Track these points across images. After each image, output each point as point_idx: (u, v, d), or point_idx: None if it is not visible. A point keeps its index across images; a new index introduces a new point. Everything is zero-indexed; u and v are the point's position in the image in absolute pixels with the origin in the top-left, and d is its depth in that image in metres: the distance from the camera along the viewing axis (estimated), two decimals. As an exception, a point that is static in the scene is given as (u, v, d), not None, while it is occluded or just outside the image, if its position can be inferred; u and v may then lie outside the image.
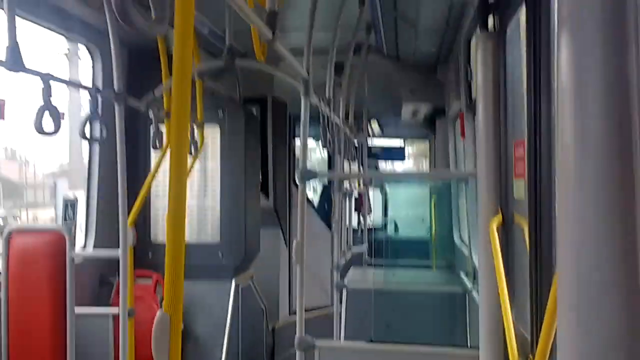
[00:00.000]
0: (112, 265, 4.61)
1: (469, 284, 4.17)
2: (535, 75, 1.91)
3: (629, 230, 0.97)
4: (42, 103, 2.61)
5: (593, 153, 0.99)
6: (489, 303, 2.27)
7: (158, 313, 1.29)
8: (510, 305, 2.01)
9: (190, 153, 4.59)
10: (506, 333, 1.91)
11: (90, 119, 3.14)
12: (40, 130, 2.61)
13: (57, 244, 3.27)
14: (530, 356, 1.79)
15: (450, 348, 2.79)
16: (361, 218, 6.96)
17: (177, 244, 1.32)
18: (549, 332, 1.38)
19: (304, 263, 2.78)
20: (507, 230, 2.35)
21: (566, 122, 1.02)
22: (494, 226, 2.28)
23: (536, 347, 1.65)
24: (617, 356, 0.97)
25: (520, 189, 2.17)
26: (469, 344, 3.92)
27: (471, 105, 4.40)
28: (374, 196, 8.43)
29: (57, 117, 2.66)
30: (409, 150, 10.40)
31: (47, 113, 2.64)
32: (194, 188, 4.98)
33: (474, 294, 3.82)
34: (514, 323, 1.95)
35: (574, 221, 1.03)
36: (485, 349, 2.28)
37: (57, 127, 2.67)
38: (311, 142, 7.89)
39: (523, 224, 2.13)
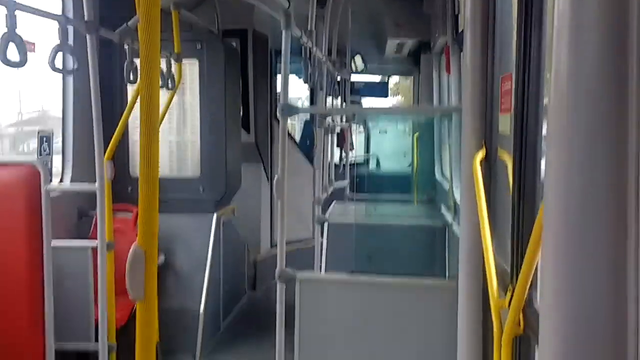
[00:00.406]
0: (91, 198, 4.55)
1: (449, 218, 4.22)
2: (526, 8, 1.84)
3: (620, 161, 0.95)
4: (7, 32, 2.48)
5: (586, 85, 0.95)
6: (470, 236, 2.28)
7: (132, 247, 1.26)
8: (491, 238, 2.03)
9: (168, 87, 4.47)
10: (486, 264, 1.93)
11: (61, 50, 3.00)
12: (5, 61, 2.49)
13: (32, 177, 3.19)
14: (510, 287, 1.82)
15: (429, 279, 2.85)
16: (343, 154, 6.95)
17: (151, 178, 1.27)
18: (531, 263, 1.38)
19: (285, 198, 2.76)
20: (490, 165, 2.34)
21: (560, 53, 0.98)
22: (477, 161, 2.26)
23: (516, 278, 1.67)
24: (601, 281, 0.97)
25: (505, 123, 2.14)
26: (447, 276, 4.01)
27: (457, 39, 4.31)
28: (356, 132, 8.40)
29: (22, 48, 2.53)
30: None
31: (12, 44, 2.52)
32: (173, 123, 4.89)
33: (455, 227, 3.87)
34: (494, 255, 1.97)
35: (562, 149, 1.00)
36: (464, 279, 2.31)
37: (24, 59, 2.55)
38: (293, 79, 7.75)
39: (507, 159, 2.11)
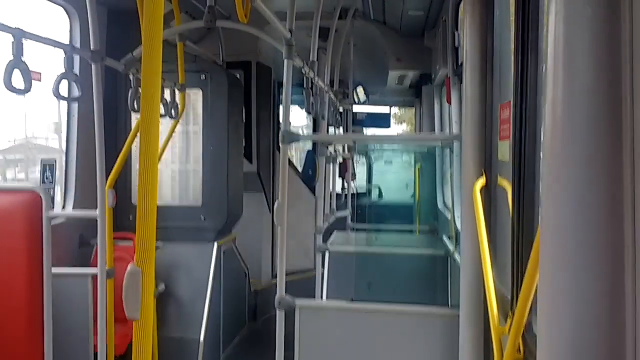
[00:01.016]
0: (92, 226, 4.56)
1: (451, 247, 4.20)
2: (523, 37, 1.88)
3: (615, 188, 0.96)
4: (13, 59, 2.53)
5: (581, 112, 0.97)
6: (471, 262, 2.28)
7: (129, 267, 1.26)
8: (492, 265, 2.02)
9: (171, 116, 4.52)
10: (486, 291, 1.92)
11: (65, 78, 3.05)
12: (9, 87, 2.53)
13: (33, 204, 3.21)
14: (510, 313, 1.80)
15: (431, 307, 2.82)
16: (345, 183, 6.96)
17: (148, 194, 1.28)
18: (530, 287, 1.38)
19: (285, 224, 2.76)
20: (490, 192, 2.35)
21: (555, 81, 1.00)
22: (477, 188, 2.28)
23: (516, 304, 1.66)
24: (599, 307, 0.97)
25: (504, 151, 2.16)
26: (450, 305, 3.97)
27: (458, 71, 4.36)
28: (358, 163, 8.43)
29: (27, 74, 2.57)
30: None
31: (17, 71, 2.56)
32: (176, 151, 4.93)
33: (456, 256, 3.86)
34: (494, 282, 1.96)
35: (558, 176, 1.02)
36: (465, 307, 2.30)
37: (28, 86, 2.59)
38: (295, 109, 7.83)
39: (506, 186, 2.13)
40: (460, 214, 4.40)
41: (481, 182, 2.32)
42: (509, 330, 1.72)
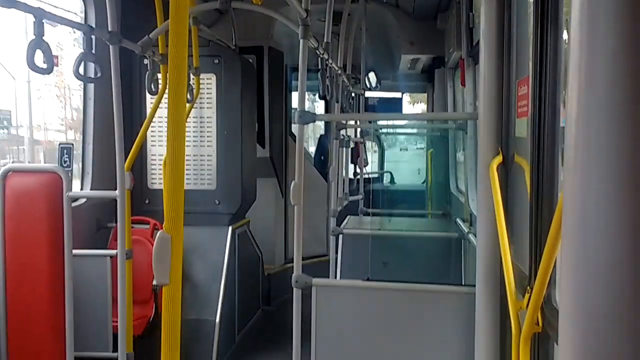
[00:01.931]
0: (109, 210, 4.62)
1: (465, 229, 4.22)
2: (542, 8, 1.87)
3: (638, 159, 0.97)
4: (34, 39, 2.56)
5: (605, 77, 0.97)
6: (487, 240, 2.29)
7: (159, 233, 1.29)
8: (509, 241, 2.03)
9: (188, 100, 4.55)
10: (504, 267, 1.94)
11: (84, 59, 3.08)
12: (33, 67, 2.57)
13: (54, 184, 3.26)
14: (528, 288, 1.82)
15: (446, 286, 2.84)
16: (357, 169, 6.97)
17: (177, 162, 1.30)
18: (550, 259, 1.39)
19: (301, 203, 2.78)
20: (506, 171, 2.35)
21: (577, 55, 1.00)
22: (494, 166, 2.28)
23: (534, 279, 1.67)
24: (621, 276, 0.98)
25: (522, 127, 2.16)
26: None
27: (472, 52, 4.35)
28: (371, 151, 8.43)
29: (49, 54, 2.61)
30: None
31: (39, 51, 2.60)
32: (190, 136, 4.96)
33: (471, 237, 3.87)
34: (512, 258, 1.98)
35: (581, 148, 1.02)
36: (482, 283, 2.31)
37: (51, 66, 2.62)
38: (307, 96, 7.82)
39: (523, 164, 2.13)
40: (474, 197, 4.41)
41: (498, 160, 2.33)
42: (527, 304, 1.73)
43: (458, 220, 4.70)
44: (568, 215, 1.08)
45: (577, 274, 1.05)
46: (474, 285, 2.44)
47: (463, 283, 3.99)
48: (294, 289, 2.75)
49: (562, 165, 1.78)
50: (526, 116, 2.08)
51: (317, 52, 3.56)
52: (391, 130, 8.28)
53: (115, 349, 3.54)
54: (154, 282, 4.21)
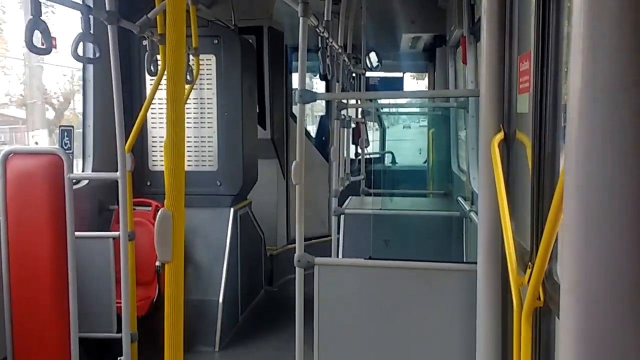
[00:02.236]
0: (110, 193, 4.63)
1: (467, 207, 4.22)
2: None
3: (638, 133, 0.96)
4: (32, 19, 2.53)
5: (607, 48, 0.96)
6: (489, 217, 2.29)
7: (160, 211, 1.29)
8: (510, 218, 2.03)
9: (188, 81, 4.53)
10: (505, 243, 1.94)
11: (83, 39, 3.06)
12: (31, 48, 2.55)
13: (55, 166, 3.26)
14: (530, 264, 1.82)
15: (448, 264, 2.85)
16: (359, 149, 6.96)
17: (177, 141, 1.30)
18: (551, 233, 1.39)
19: (303, 183, 2.78)
20: (508, 147, 2.34)
21: (579, 28, 0.99)
22: (496, 143, 2.27)
23: (536, 254, 1.68)
24: (623, 251, 0.98)
25: (524, 103, 2.15)
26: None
27: (474, 29, 4.31)
28: (372, 130, 8.41)
29: (47, 35, 2.59)
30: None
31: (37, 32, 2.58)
32: (191, 117, 4.95)
33: (472, 214, 3.87)
34: (513, 235, 1.98)
35: (583, 120, 1.01)
36: (483, 260, 2.32)
37: (49, 46, 2.61)
38: (307, 78, 7.77)
39: (525, 141, 2.12)
40: (475, 175, 4.41)
41: (499, 136, 2.31)
42: (529, 280, 1.73)
43: (459, 198, 4.71)
44: (569, 189, 1.07)
45: (578, 248, 1.06)
46: (476, 263, 2.45)
47: (465, 261, 4.01)
48: (297, 269, 2.76)
49: (563, 141, 1.77)
50: (528, 92, 2.06)
51: (317, 30, 3.53)
52: (393, 110, 8.24)
53: (119, 330, 3.58)
54: (157, 263, 4.24)
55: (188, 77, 4.52)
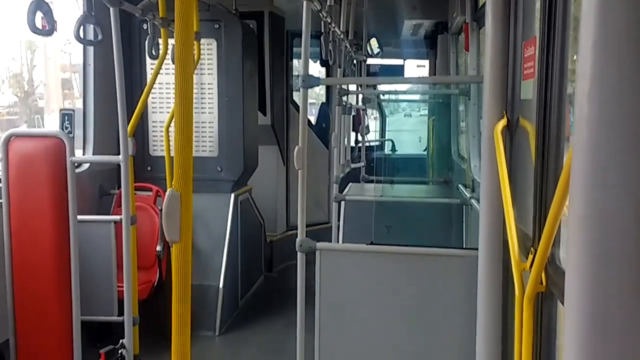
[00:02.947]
0: (111, 177, 4.63)
1: (467, 195, 4.23)
2: None
3: None
4: (34, 1, 2.52)
5: (616, 40, 0.96)
6: (490, 203, 2.30)
7: (168, 191, 1.29)
8: (512, 204, 2.04)
9: None
10: (507, 228, 1.95)
11: (84, 21, 3.04)
12: (34, 29, 2.54)
13: (57, 148, 3.26)
14: (532, 249, 1.83)
15: (449, 249, 2.86)
16: (359, 137, 6.96)
17: (185, 123, 1.30)
18: (555, 217, 1.40)
19: (305, 168, 2.78)
20: (511, 134, 2.35)
21: (588, 14, 0.99)
22: (499, 129, 2.27)
23: (538, 240, 1.68)
24: (628, 234, 0.99)
25: (528, 90, 2.14)
26: None
27: (476, 16, 4.29)
28: (372, 117, 8.40)
29: (50, 16, 2.58)
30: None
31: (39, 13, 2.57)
32: None
33: (473, 202, 3.88)
34: (515, 220, 1.98)
35: (592, 104, 1.01)
36: (484, 246, 2.33)
37: (52, 27, 2.59)
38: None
39: (528, 127, 2.12)
40: (476, 163, 4.41)
41: (502, 123, 2.32)
42: (530, 265, 1.75)
43: (460, 186, 4.72)
44: (576, 172, 1.08)
45: (584, 232, 1.06)
46: (476, 249, 2.46)
47: (465, 247, 4.03)
48: (298, 253, 2.77)
49: (569, 126, 1.77)
50: (532, 78, 2.06)
51: (321, 15, 3.51)
52: (393, 97, 8.22)
53: (120, 314, 3.60)
54: (158, 248, 4.24)
55: None
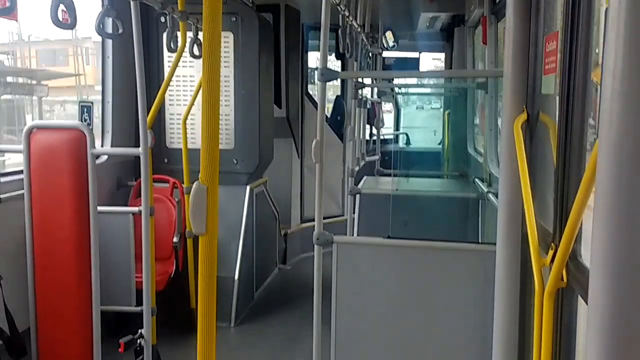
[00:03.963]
0: (129, 168, 4.68)
1: (484, 188, 4.22)
2: None
3: None
4: None
5: None
6: (509, 198, 2.29)
7: (195, 184, 1.32)
8: (532, 200, 2.03)
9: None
10: (528, 224, 1.94)
11: (107, 15, 3.07)
12: (56, 22, 2.57)
13: (78, 140, 3.30)
14: (552, 245, 1.83)
15: (466, 244, 2.86)
16: (374, 130, 6.95)
17: (212, 115, 1.32)
18: (579, 213, 1.39)
19: (322, 162, 2.79)
20: (531, 129, 2.33)
21: (617, 9, 0.98)
22: (519, 124, 2.26)
23: (559, 236, 1.68)
24: None
25: (549, 85, 2.13)
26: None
27: (495, 9, 4.26)
28: (392, 109, 8.39)
29: (72, 9, 2.61)
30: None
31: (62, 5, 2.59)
32: None
33: (490, 196, 3.87)
34: (535, 216, 1.98)
35: (619, 99, 1.01)
36: (502, 241, 2.32)
37: (74, 21, 2.62)
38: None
39: (549, 122, 2.11)
40: (493, 157, 4.39)
41: (522, 117, 2.30)
42: (551, 260, 1.74)
43: (477, 180, 4.70)
44: (602, 169, 1.08)
45: (609, 230, 1.06)
46: (493, 244, 2.46)
47: (481, 242, 4.02)
48: (315, 246, 2.79)
49: (592, 122, 1.76)
50: (553, 73, 2.04)
51: (339, 8, 3.51)
52: (410, 90, 8.18)
53: (137, 304, 3.64)
54: (175, 239, 4.26)
55: None
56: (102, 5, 3.03)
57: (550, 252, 1.82)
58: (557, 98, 1.96)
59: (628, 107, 1.01)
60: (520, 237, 2.29)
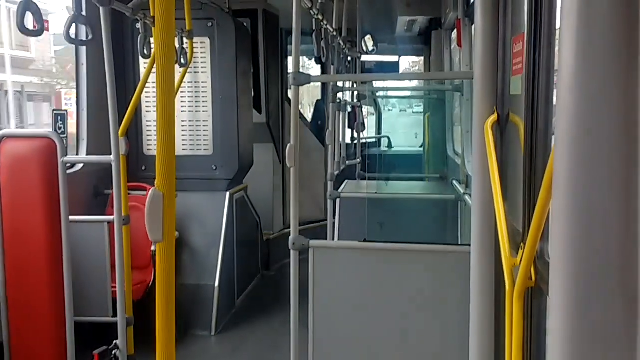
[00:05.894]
0: (106, 177, 4.61)
1: (462, 190, 4.23)
2: None
3: (630, 111, 0.96)
4: (23, 1, 2.51)
5: (598, 35, 0.96)
6: (482, 199, 2.30)
7: (151, 191, 1.29)
8: (503, 199, 2.04)
9: (182, 64, 4.51)
10: (498, 224, 1.94)
11: (75, 21, 3.03)
12: (23, 30, 2.53)
13: (49, 150, 3.25)
14: (522, 245, 1.83)
15: (442, 246, 2.86)
16: (354, 134, 6.96)
17: (167, 122, 1.30)
18: (542, 212, 1.40)
19: (297, 166, 2.78)
20: (501, 129, 2.34)
21: (570, 12, 0.98)
22: (489, 125, 2.27)
23: (528, 235, 1.68)
24: (611, 228, 0.98)
25: (517, 85, 2.14)
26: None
27: (469, 12, 4.29)
28: (368, 114, 8.40)
29: (39, 16, 2.57)
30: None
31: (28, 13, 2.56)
32: (186, 101, 4.92)
33: (467, 197, 3.88)
34: (506, 215, 1.98)
35: (572, 99, 1.01)
36: (476, 242, 2.33)
37: (41, 27, 2.59)
38: (302, 61, 7.72)
39: (518, 122, 2.12)
40: (470, 158, 4.41)
41: (493, 118, 2.31)
42: (520, 260, 1.75)
43: (454, 182, 4.72)
44: (559, 166, 1.08)
45: (567, 226, 1.06)
46: (470, 245, 2.46)
47: (459, 244, 4.03)
48: (291, 251, 2.77)
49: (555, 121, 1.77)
50: (521, 74, 2.06)
51: (312, 12, 3.50)
52: (388, 94, 8.21)
53: (114, 314, 3.59)
54: (153, 248, 4.24)
55: (182, 60, 4.49)
56: (71, 12, 3.00)
57: (520, 252, 1.83)
58: (524, 99, 1.97)
59: (581, 105, 1.01)
60: (494, 237, 2.30)
